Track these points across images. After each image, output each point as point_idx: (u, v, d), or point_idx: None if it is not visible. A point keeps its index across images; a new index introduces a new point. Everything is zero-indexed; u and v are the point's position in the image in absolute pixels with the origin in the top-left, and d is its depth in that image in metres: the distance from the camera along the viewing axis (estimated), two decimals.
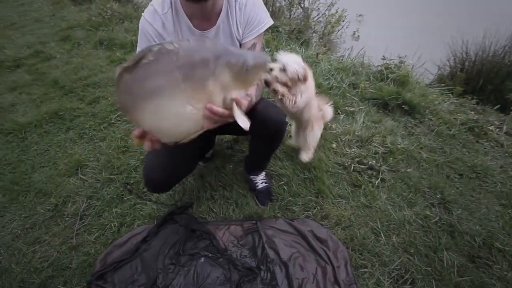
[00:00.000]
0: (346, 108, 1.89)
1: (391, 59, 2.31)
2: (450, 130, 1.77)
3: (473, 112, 2.01)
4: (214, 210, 1.26)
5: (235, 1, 0.94)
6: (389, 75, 2.17)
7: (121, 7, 3.56)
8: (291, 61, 1.18)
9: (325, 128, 1.70)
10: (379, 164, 1.49)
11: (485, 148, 1.69)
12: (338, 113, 1.85)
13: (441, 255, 1.14)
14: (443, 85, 2.44)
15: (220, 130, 1.16)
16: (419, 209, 1.31)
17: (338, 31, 3.91)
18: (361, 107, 1.90)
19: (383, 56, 2.36)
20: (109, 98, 1.99)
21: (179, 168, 1.02)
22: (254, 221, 1.21)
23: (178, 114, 0.55)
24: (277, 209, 1.28)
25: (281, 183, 1.38)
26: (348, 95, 2.01)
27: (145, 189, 1.35)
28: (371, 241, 1.17)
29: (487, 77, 2.65)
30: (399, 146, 1.59)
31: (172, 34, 0.91)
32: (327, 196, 1.33)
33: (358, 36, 3.95)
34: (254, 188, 1.33)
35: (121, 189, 1.36)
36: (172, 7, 0.90)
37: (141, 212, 1.25)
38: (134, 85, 0.53)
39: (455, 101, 2.16)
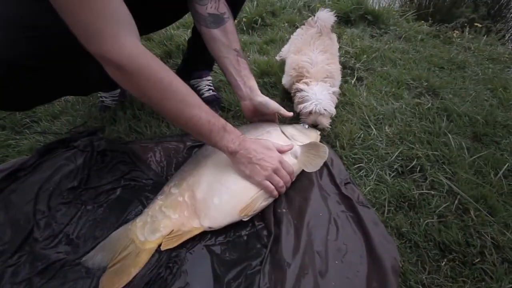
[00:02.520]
0: (304, 22, 1.59)
1: None
2: (418, 36, 1.59)
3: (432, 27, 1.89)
4: (138, 129, 0.85)
5: None
6: None
7: None
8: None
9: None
10: (352, 62, 1.21)
11: (455, 49, 1.53)
12: (297, 27, 1.55)
13: (445, 139, 0.90)
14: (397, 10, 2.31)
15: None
16: (407, 100, 1.06)
17: None
18: None
19: None
20: None
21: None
22: None
23: None
24: (231, 118, 0.92)
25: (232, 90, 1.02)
26: (305, 12, 1.72)
27: (26, 121, 0.88)
28: (360, 136, 0.88)
29: (436, 5, 2.62)
30: (370, 45, 1.34)
31: None
32: None
33: None
34: None
35: None
36: None
37: (16, 149, 0.79)
38: None
39: (413, 23, 2.02)
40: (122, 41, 0.49)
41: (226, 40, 0.69)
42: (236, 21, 1.53)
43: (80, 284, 0.52)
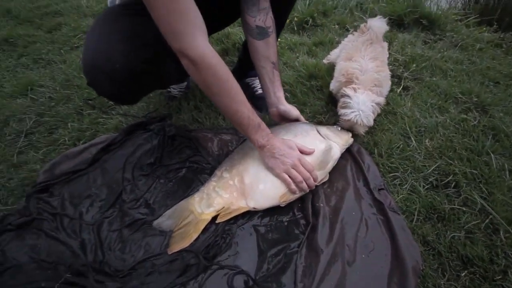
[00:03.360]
0: (355, 24, 1.60)
1: None
2: (476, 45, 1.52)
3: (496, 34, 1.76)
4: (199, 119, 0.99)
5: None
6: None
7: None
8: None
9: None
10: (400, 71, 1.22)
11: None
12: (347, 29, 1.57)
13: (487, 159, 0.91)
14: (457, 11, 2.16)
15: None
16: (453, 114, 1.06)
17: None
18: None
19: None
20: (72, 24, 1.66)
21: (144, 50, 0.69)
22: None
23: None
24: None
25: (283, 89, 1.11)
26: (356, 13, 1.71)
27: (110, 103, 1.07)
28: (399, 146, 0.93)
29: (505, 8, 2.37)
30: (421, 53, 1.33)
31: None
32: None
33: None
34: (251, 95, 1.07)
35: (81, 104, 1.07)
36: None
37: (104, 126, 0.98)
38: None
39: (473, 28, 1.90)
40: (198, 41, 0.61)
41: (266, 52, 0.79)
42: (288, 21, 1.59)
43: (156, 239, 0.68)
